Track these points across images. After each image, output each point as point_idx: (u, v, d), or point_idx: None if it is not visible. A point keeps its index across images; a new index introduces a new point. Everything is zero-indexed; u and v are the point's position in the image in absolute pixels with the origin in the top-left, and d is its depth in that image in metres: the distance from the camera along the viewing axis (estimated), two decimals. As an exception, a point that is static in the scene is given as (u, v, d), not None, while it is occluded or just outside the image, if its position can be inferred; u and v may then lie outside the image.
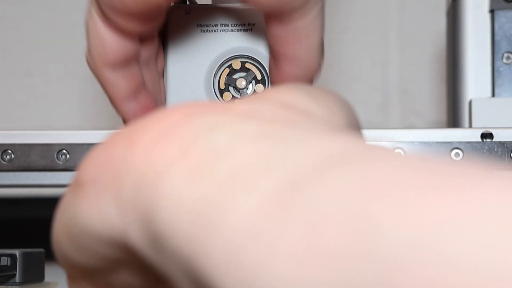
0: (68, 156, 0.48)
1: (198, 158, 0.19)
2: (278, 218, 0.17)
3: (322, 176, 0.17)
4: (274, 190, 0.18)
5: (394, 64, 0.87)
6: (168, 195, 0.19)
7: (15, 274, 0.46)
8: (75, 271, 0.24)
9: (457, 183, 0.16)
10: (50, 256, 0.51)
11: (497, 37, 0.55)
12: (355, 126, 0.25)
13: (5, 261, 0.46)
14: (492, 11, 0.55)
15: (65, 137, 0.49)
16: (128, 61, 0.33)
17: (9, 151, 0.48)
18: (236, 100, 0.22)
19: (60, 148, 0.48)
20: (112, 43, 0.32)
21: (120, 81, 0.34)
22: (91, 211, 0.21)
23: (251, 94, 0.37)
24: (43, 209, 0.78)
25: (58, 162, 0.48)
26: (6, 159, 0.48)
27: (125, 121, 0.36)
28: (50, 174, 0.49)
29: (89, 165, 0.22)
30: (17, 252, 0.46)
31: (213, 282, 0.17)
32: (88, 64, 0.34)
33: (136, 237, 0.20)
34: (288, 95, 0.23)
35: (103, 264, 0.23)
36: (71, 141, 0.49)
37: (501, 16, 0.55)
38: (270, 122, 0.21)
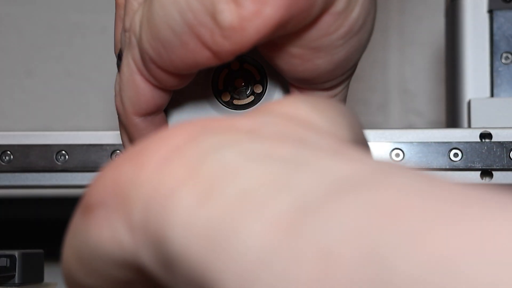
0: (67, 157, 0.48)
1: (206, 179, 0.19)
2: (290, 244, 0.17)
3: (333, 201, 0.17)
4: (285, 214, 0.17)
5: (394, 64, 0.87)
6: (178, 218, 0.19)
7: (14, 275, 0.46)
8: None
9: (471, 211, 0.15)
10: (49, 257, 0.51)
11: (496, 37, 0.55)
12: (359, 135, 0.25)
13: (4, 262, 0.46)
14: (490, 11, 0.55)
15: (64, 137, 0.49)
16: (159, 110, 0.34)
17: (8, 152, 0.48)
18: (239, 116, 0.22)
19: (59, 149, 0.48)
20: (148, 94, 0.33)
21: (149, 127, 0.34)
22: (102, 234, 0.21)
23: (249, 93, 0.37)
24: (43, 210, 0.78)
25: (57, 163, 0.48)
26: (5, 160, 0.48)
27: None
28: (49, 175, 0.49)
29: (97, 188, 0.22)
30: (16, 253, 0.46)
31: None
32: (117, 107, 0.34)
33: (148, 259, 0.20)
34: (291, 108, 0.23)
35: (115, 286, 0.22)
36: (70, 141, 0.49)
37: (500, 16, 0.55)
38: (276, 140, 0.21)
